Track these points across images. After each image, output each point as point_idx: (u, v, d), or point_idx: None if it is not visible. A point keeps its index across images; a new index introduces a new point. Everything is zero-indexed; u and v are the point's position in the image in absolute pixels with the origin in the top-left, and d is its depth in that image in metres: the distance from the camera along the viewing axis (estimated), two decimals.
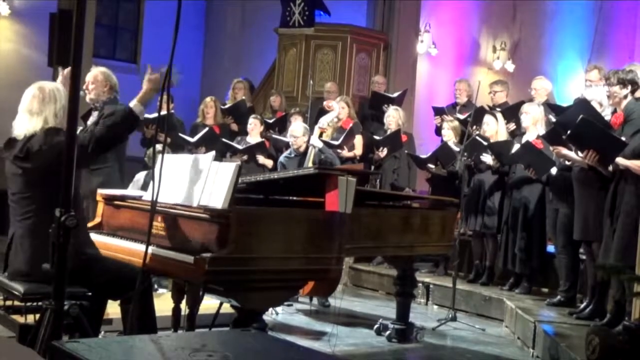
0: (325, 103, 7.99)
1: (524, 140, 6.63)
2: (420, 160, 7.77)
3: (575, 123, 5.12)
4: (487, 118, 7.26)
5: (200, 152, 7.52)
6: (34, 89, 3.74)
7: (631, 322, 4.73)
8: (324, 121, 7.30)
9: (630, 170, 4.92)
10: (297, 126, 7.46)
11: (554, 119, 6.41)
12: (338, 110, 7.67)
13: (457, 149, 7.39)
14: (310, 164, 6.83)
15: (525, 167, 6.39)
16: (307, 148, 7.22)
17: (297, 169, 6.36)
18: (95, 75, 5.43)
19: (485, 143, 6.97)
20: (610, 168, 5.10)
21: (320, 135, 7.26)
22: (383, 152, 7.99)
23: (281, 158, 7.50)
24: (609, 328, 4.78)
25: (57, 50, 7.27)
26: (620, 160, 4.96)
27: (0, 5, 10.89)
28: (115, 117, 3.85)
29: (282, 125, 8.80)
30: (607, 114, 5.49)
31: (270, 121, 8.81)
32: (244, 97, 9.19)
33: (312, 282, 4.16)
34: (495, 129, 7.16)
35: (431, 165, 7.60)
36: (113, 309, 4.01)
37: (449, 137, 7.71)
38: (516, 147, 6.63)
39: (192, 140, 7.91)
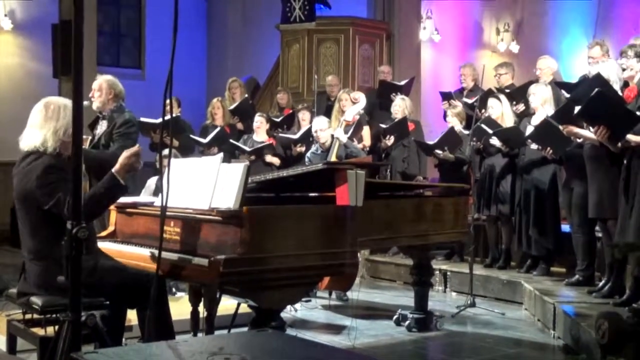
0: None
1: (534, 120, 6.58)
2: (427, 146, 7.74)
3: (588, 98, 5.06)
4: (491, 101, 7.24)
5: (212, 152, 7.51)
6: (41, 104, 3.77)
7: (639, 305, 4.70)
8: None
9: None
10: (320, 120, 7.31)
11: (567, 95, 6.28)
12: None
13: (466, 132, 7.36)
14: (334, 158, 6.78)
15: (542, 147, 6.31)
16: (332, 142, 7.11)
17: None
18: (100, 83, 5.51)
19: (490, 131, 6.91)
20: (619, 145, 5.05)
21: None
22: (390, 140, 7.96)
23: (308, 154, 7.40)
24: (624, 307, 4.75)
25: (61, 61, 7.28)
26: (631, 137, 4.90)
27: (2, 20, 10.97)
28: (98, 187, 3.67)
29: (289, 122, 8.77)
30: (617, 90, 5.44)
31: (278, 120, 8.75)
32: (246, 95, 9.16)
33: (329, 277, 4.16)
34: (500, 111, 7.14)
35: (439, 152, 7.56)
36: (132, 314, 4.03)
37: (454, 123, 7.69)
38: (529, 129, 6.55)
39: (204, 141, 7.90)
